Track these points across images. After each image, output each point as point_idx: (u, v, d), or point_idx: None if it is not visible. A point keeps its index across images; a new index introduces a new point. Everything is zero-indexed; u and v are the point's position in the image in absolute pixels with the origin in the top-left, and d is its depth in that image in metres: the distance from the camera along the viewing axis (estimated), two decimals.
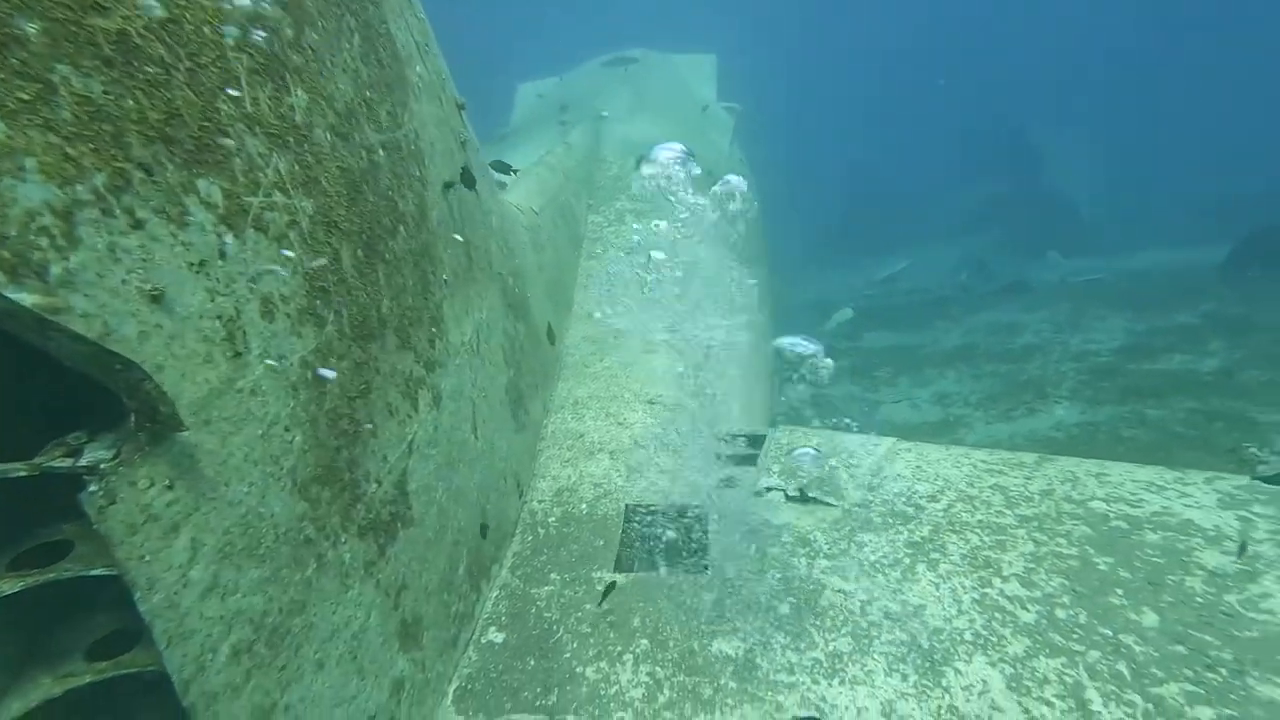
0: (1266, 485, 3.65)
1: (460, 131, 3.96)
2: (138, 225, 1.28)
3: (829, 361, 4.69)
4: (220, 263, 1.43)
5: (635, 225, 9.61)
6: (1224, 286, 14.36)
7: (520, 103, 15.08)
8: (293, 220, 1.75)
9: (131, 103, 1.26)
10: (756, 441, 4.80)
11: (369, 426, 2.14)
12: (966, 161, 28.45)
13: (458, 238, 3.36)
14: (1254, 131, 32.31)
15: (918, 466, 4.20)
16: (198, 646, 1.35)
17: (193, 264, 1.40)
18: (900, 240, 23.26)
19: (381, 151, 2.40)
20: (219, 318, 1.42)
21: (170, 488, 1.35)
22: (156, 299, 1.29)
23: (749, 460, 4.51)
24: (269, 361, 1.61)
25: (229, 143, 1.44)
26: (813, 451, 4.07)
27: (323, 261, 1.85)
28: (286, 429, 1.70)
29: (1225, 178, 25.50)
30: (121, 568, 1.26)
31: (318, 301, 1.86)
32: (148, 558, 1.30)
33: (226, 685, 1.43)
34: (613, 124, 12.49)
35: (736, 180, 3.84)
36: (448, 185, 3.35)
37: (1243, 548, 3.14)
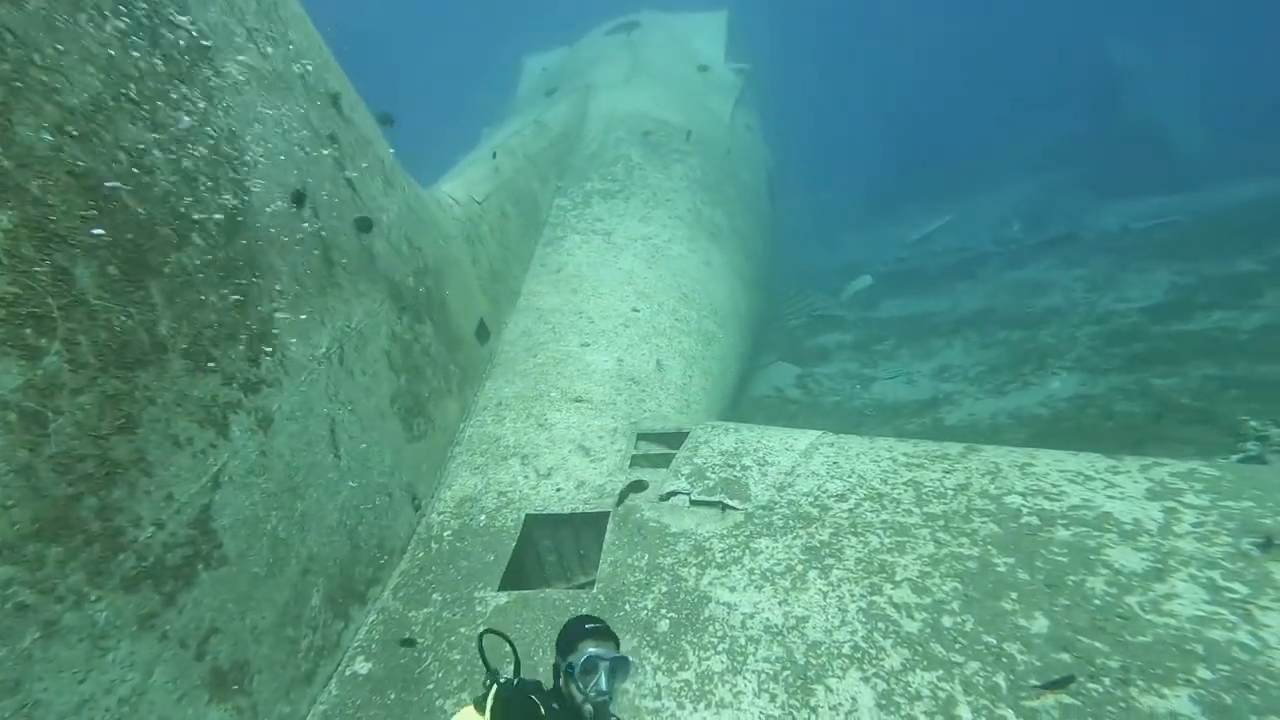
0: (1206, 472, 3.29)
1: (329, 128, 3.65)
2: None
3: None
4: None
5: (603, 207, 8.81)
6: None
7: (525, 77, 14.44)
8: None
9: None
10: (674, 440, 4.62)
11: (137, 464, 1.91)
12: (1031, 94, 24.47)
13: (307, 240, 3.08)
14: None
15: (834, 463, 4.00)
16: None
17: None
18: (948, 191, 20.44)
19: (158, 152, 2.14)
20: None
21: None
22: None
23: (661, 461, 4.33)
24: None
25: None
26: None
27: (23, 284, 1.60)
28: None
29: None
30: None
31: (26, 330, 1.62)
32: None
33: None
34: (601, 95, 11.55)
35: None
36: (298, 195, 3.04)
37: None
